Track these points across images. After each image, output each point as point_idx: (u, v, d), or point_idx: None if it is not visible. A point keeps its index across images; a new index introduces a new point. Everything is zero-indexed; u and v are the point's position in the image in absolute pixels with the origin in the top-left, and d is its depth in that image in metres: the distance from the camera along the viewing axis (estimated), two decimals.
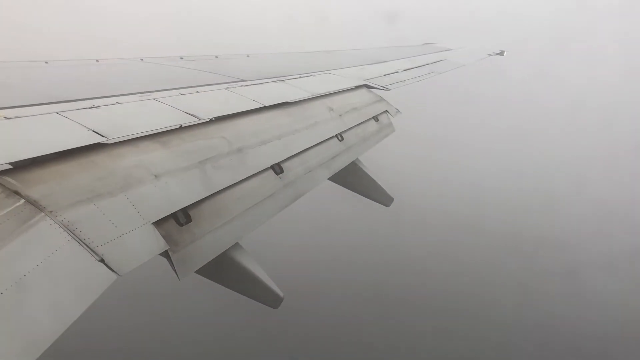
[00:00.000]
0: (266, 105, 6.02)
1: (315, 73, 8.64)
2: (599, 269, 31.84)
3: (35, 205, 2.92)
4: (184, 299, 22.55)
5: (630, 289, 30.11)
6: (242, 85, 6.58)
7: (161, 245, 3.45)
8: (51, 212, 2.94)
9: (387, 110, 8.55)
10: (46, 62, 6.27)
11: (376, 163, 8.29)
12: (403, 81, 10.19)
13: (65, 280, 2.77)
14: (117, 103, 4.68)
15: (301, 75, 8.14)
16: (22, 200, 2.90)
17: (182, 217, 3.76)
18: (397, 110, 8.89)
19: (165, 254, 3.52)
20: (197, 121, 4.81)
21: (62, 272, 2.78)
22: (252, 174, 4.73)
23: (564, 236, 36.40)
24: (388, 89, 9.30)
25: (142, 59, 7.64)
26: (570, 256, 33.52)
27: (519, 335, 26.15)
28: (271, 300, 4.88)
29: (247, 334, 22.78)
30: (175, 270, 3.56)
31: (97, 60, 7.00)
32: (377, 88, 9.12)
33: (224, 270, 4.49)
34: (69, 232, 2.92)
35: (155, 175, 3.80)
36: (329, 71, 9.14)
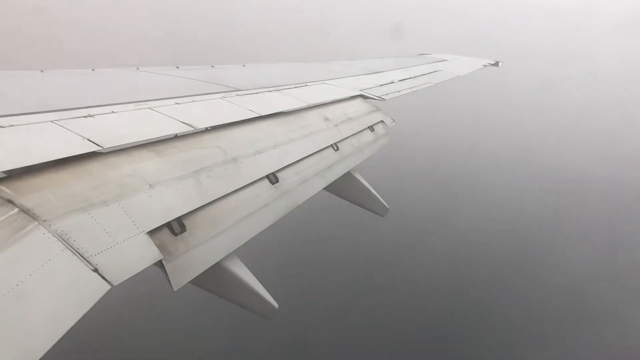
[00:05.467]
0: (262, 114, 6.02)
1: (311, 83, 8.65)
2: (604, 283, 31.90)
3: (28, 214, 2.90)
4: (178, 308, 22.45)
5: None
6: (237, 95, 6.58)
7: (155, 255, 3.43)
8: (45, 221, 2.92)
9: (382, 120, 8.56)
10: (42, 71, 6.26)
11: (372, 173, 8.30)
12: (398, 91, 10.21)
13: (58, 289, 2.75)
14: (113, 112, 4.67)
15: (297, 85, 8.15)
16: (16, 209, 2.89)
17: (177, 226, 3.74)
18: (393, 121, 8.90)
19: (159, 264, 3.50)
20: (193, 130, 4.81)
21: (55, 281, 2.76)
22: (247, 183, 4.72)
23: (562, 242, 36.46)
24: (383, 99, 9.31)
25: (137, 68, 7.64)
26: (570, 262, 33.53)
27: (519, 345, 26.08)
28: (265, 310, 4.86)
29: (241, 344, 22.65)
30: (169, 280, 3.54)
31: (93, 69, 7.00)
32: (373, 98, 9.14)
33: (218, 280, 4.47)
34: (62, 241, 2.91)
35: (150, 185, 3.79)
36: (324, 81, 9.15)
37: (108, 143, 3.89)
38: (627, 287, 31.54)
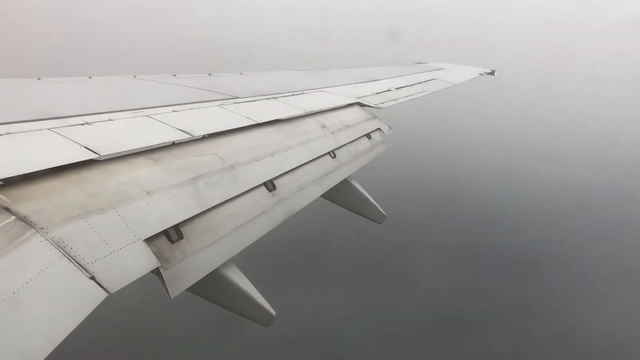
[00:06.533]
0: (259, 122, 6.03)
1: (308, 91, 8.68)
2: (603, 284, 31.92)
3: (25, 221, 2.90)
4: (175, 316, 22.35)
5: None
6: (235, 103, 6.60)
7: (152, 262, 3.42)
8: (42, 228, 2.92)
9: (379, 128, 8.59)
10: (39, 79, 6.26)
11: (369, 180, 8.30)
12: (395, 99, 10.25)
13: (55, 297, 2.74)
14: (110, 119, 4.68)
15: (294, 93, 8.18)
16: (13, 217, 2.88)
17: (174, 234, 3.73)
18: (389, 128, 8.93)
19: (156, 271, 3.49)
20: (190, 138, 4.81)
21: (52, 289, 2.75)
22: (245, 190, 4.72)
23: (562, 248, 36.45)
24: (380, 107, 9.35)
25: (135, 76, 7.65)
26: (569, 272, 33.51)
27: (518, 349, 26.03)
28: (263, 318, 4.85)
29: (238, 352, 22.56)
30: (166, 288, 3.53)
31: (90, 77, 7.01)
32: (370, 106, 9.17)
33: (216, 287, 4.46)
34: (59, 249, 2.90)
35: (147, 192, 3.79)
36: (321, 89, 9.18)
37: (105, 150, 3.89)
38: (626, 290, 31.56)
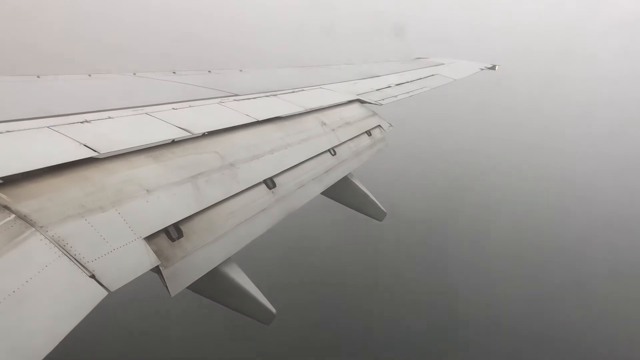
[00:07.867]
0: (259, 119, 6.02)
1: (308, 88, 8.66)
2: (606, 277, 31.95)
3: (25, 220, 2.89)
4: (175, 315, 22.38)
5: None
6: (234, 100, 6.58)
7: (152, 260, 3.42)
8: (42, 227, 2.91)
9: (379, 125, 8.57)
10: (38, 77, 6.25)
11: (369, 177, 8.30)
12: (395, 96, 10.23)
13: (56, 296, 2.74)
14: (110, 117, 4.67)
15: (294, 90, 8.16)
16: (13, 215, 2.87)
17: (174, 232, 3.73)
18: (390, 125, 8.91)
19: (156, 270, 3.49)
20: (190, 135, 4.80)
21: (52, 288, 2.75)
22: (245, 188, 4.71)
23: (563, 245, 36.48)
24: (380, 104, 9.33)
25: (134, 74, 7.64)
26: (571, 265, 33.52)
27: (518, 348, 26.05)
28: (263, 316, 4.85)
29: (239, 350, 22.59)
30: (166, 286, 3.53)
31: (90, 75, 6.99)
32: (370, 103, 9.15)
33: (216, 286, 4.45)
34: (59, 247, 2.90)
35: (147, 190, 3.78)
36: (321, 86, 9.16)
37: (105, 149, 3.89)
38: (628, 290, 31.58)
